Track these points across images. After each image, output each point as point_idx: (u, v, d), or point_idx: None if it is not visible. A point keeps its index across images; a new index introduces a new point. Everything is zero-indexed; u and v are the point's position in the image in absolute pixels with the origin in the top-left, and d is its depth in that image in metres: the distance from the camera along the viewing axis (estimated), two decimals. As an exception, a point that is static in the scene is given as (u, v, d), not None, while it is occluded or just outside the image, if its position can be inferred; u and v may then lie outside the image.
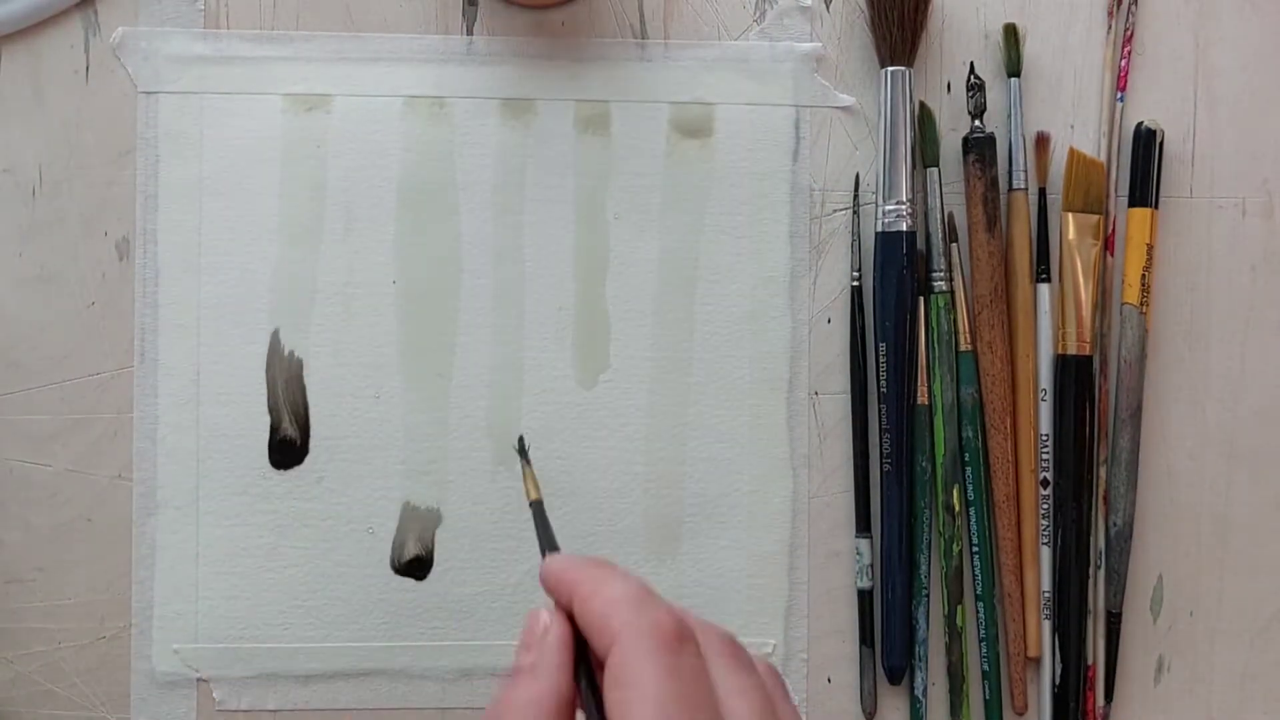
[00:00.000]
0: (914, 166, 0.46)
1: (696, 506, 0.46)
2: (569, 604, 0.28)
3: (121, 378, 0.45)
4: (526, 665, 0.27)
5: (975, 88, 0.46)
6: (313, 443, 0.45)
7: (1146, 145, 0.46)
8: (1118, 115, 0.47)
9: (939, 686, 0.46)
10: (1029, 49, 0.47)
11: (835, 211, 0.47)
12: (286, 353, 0.45)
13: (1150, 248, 0.46)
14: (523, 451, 0.40)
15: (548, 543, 0.34)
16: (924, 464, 0.46)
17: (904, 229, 0.45)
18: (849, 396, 0.46)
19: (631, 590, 0.27)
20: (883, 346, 0.46)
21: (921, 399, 0.46)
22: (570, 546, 0.46)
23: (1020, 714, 0.46)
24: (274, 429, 0.45)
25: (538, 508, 0.36)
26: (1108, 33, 0.47)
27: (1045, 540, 0.46)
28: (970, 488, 0.46)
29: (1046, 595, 0.46)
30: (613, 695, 0.25)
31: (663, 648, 0.26)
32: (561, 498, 0.46)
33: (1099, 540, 0.46)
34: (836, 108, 0.47)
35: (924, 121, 0.46)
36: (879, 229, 0.46)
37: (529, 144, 0.46)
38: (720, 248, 0.46)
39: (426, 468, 0.45)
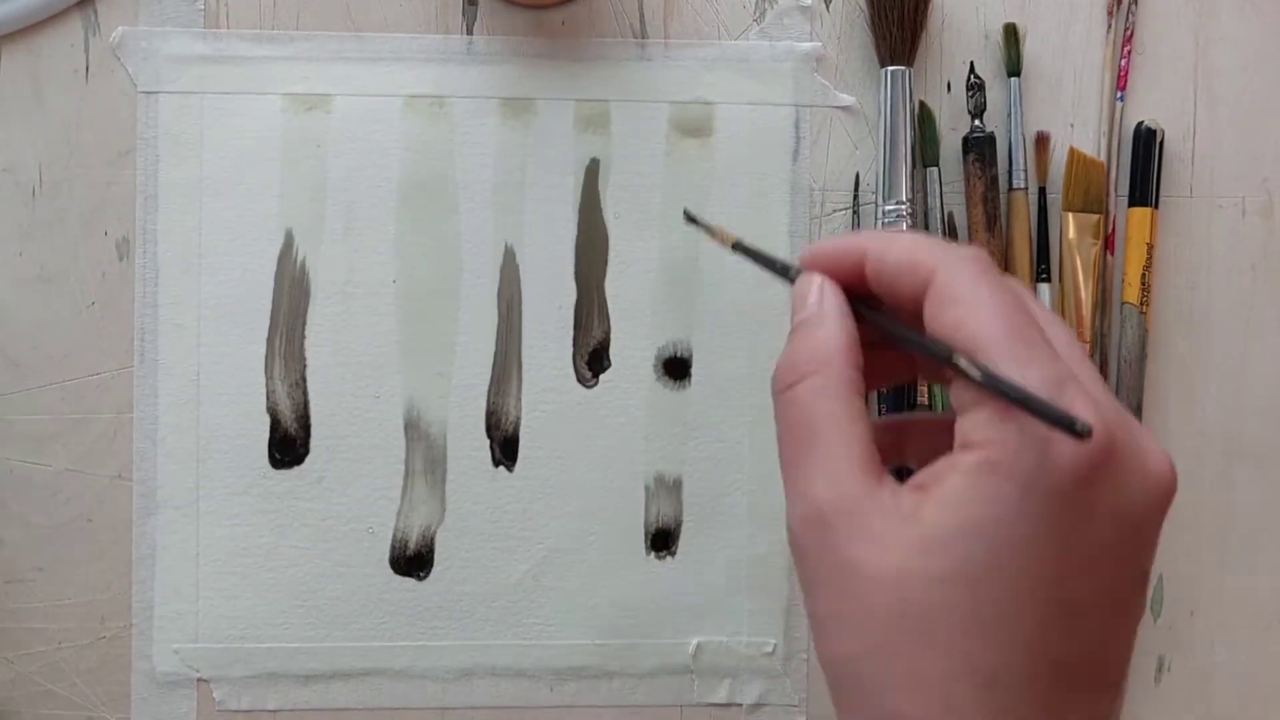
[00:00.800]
0: (914, 166, 0.46)
1: (696, 506, 0.46)
2: (854, 268, 0.28)
3: (121, 378, 0.45)
4: (805, 319, 0.28)
5: (975, 87, 0.46)
6: (313, 442, 0.45)
7: (1146, 145, 0.46)
8: (1118, 115, 0.47)
9: (939, 686, 0.46)
10: (1029, 48, 0.47)
11: (835, 211, 0.47)
12: (286, 352, 0.45)
13: (1150, 247, 0.46)
14: (692, 218, 0.37)
15: (778, 261, 0.32)
16: (924, 463, 0.46)
17: (904, 228, 0.45)
18: (849, 396, 0.46)
19: (925, 235, 0.28)
20: (883, 346, 0.46)
21: (922, 399, 0.46)
22: (568, 545, 0.46)
23: (1020, 713, 0.46)
24: (274, 429, 0.45)
25: (742, 247, 0.33)
26: (1108, 32, 0.47)
27: (1045, 540, 0.46)
28: (970, 487, 0.46)
29: (1047, 595, 0.46)
30: (947, 315, 0.26)
31: (988, 270, 0.26)
32: (561, 497, 0.46)
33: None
34: (836, 107, 0.47)
35: (924, 121, 0.46)
36: (879, 229, 0.46)
37: (529, 143, 0.46)
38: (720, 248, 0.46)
39: (427, 466, 0.45)
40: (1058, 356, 0.25)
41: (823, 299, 0.28)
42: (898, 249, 0.27)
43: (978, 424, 0.25)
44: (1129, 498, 0.25)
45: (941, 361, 0.25)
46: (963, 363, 0.25)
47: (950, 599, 0.24)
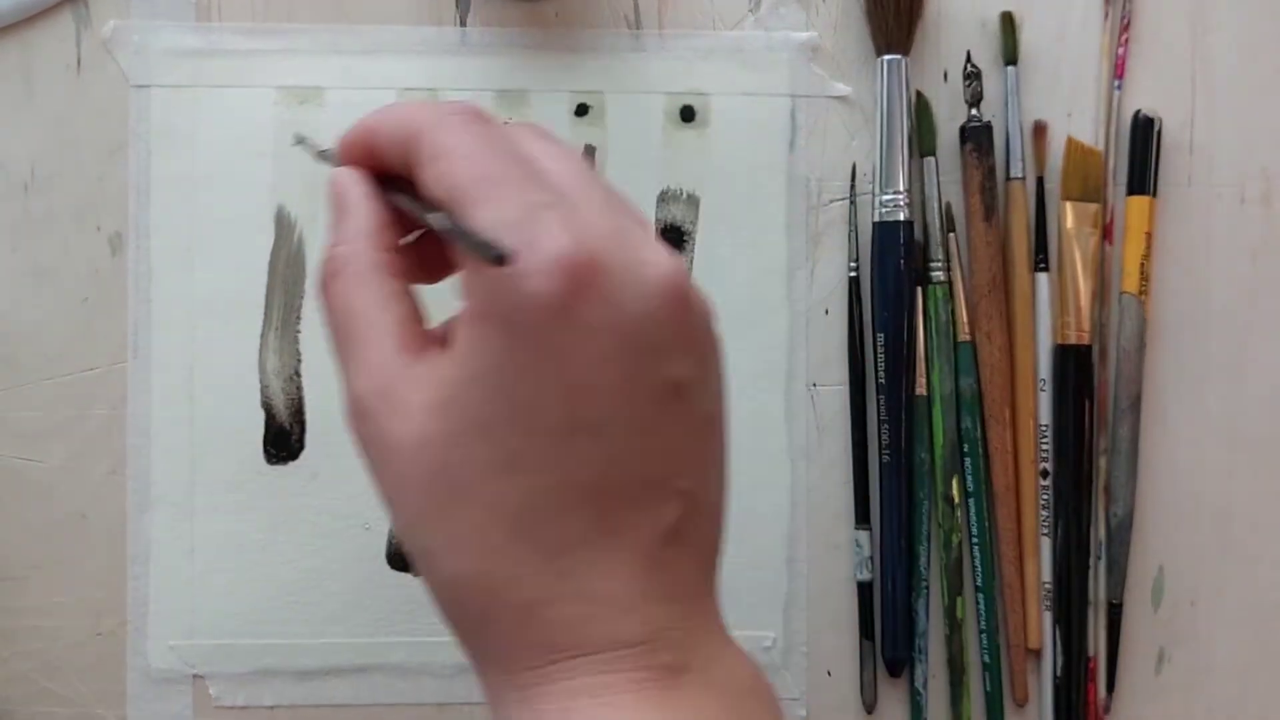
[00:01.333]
0: (911, 156, 0.46)
1: (694, 499, 0.46)
2: (367, 141, 0.28)
3: (115, 373, 0.45)
4: (339, 208, 0.28)
5: (972, 76, 0.46)
6: (308, 437, 0.45)
7: (1145, 133, 0.46)
8: (1115, 103, 0.47)
9: (939, 679, 0.46)
10: (1026, 37, 0.47)
11: (832, 202, 0.46)
12: (281, 347, 0.45)
13: (1149, 236, 0.46)
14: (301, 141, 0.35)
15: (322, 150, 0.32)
16: (923, 455, 0.46)
17: (901, 219, 0.45)
18: (847, 388, 0.46)
19: (422, 102, 0.28)
20: (881, 337, 0.45)
21: (920, 390, 0.46)
22: (567, 540, 0.45)
23: (1021, 705, 0.46)
24: (268, 424, 0.45)
25: (304, 144, 0.33)
26: (1105, 20, 0.47)
27: (1045, 531, 0.46)
28: (969, 479, 0.46)
29: (1047, 586, 0.46)
30: (428, 173, 0.26)
31: (468, 120, 0.26)
32: (558, 491, 0.45)
33: (1099, 531, 0.46)
34: (833, 97, 0.46)
35: (921, 111, 0.46)
36: (876, 219, 0.46)
37: (523, 136, 0.46)
38: (716, 239, 0.46)
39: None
40: (538, 188, 0.25)
41: (350, 186, 0.29)
42: (389, 117, 0.28)
43: (466, 278, 0.25)
44: (623, 309, 0.24)
45: (420, 220, 0.26)
46: (430, 217, 0.25)
47: (467, 451, 0.25)
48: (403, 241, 0.29)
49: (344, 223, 0.28)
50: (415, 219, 0.28)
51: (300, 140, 0.34)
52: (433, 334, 0.27)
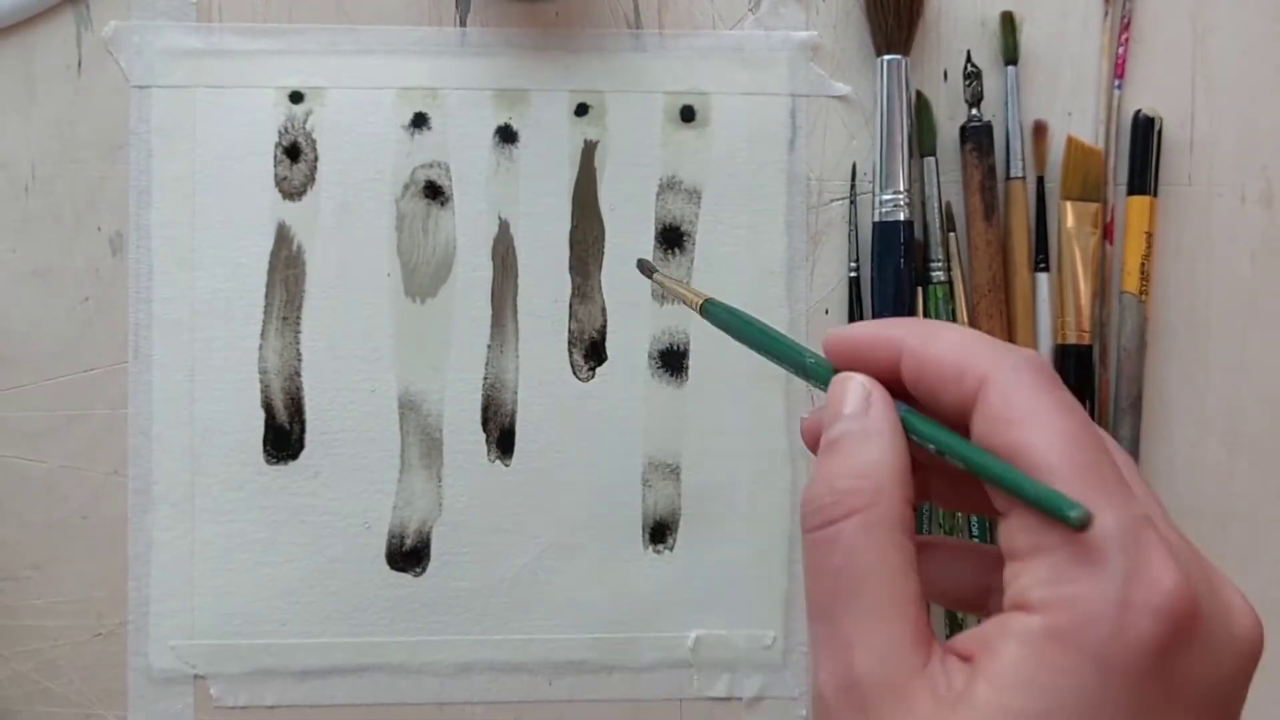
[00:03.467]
0: (911, 156, 0.46)
1: (695, 499, 0.46)
2: (891, 363, 0.24)
3: (116, 373, 0.45)
4: (846, 433, 0.23)
5: (972, 76, 0.46)
6: (308, 437, 0.45)
7: (1145, 133, 0.46)
8: (1116, 103, 0.47)
9: (940, 678, 0.46)
10: (1026, 36, 0.46)
11: (832, 201, 0.46)
12: (281, 347, 0.45)
13: (1149, 236, 0.46)
14: (647, 268, 0.32)
15: (788, 342, 0.27)
16: (923, 455, 0.46)
17: (901, 219, 0.45)
18: (847, 387, 0.46)
19: (974, 332, 0.24)
20: (881, 337, 0.45)
21: (920, 389, 0.46)
22: (565, 539, 0.45)
23: (1022, 705, 0.46)
24: (269, 423, 0.45)
25: (715, 306, 0.29)
26: (1105, 19, 0.47)
27: (1045, 530, 0.46)
28: (970, 478, 0.46)
29: (1047, 586, 0.46)
30: (1004, 436, 0.22)
31: (1051, 382, 0.22)
32: (558, 491, 0.45)
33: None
34: (833, 97, 0.46)
35: (921, 110, 0.46)
36: (876, 219, 0.46)
37: (523, 135, 0.46)
38: (716, 238, 0.46)
39: (423, 461, 0.45)
40: (1134, 496, 0.21)
41: (869, 410, 0.23)
42: (942, 346, 0.23)
43: (1038, 579, 0.21)
44: (1214, 665, 0.21)
45: (972, 469, 0.22)
46: (997, 468, 0.22)
47: None
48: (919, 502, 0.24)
49: (864, 451, 0.23)
50: (948, 460, 0.23)
51: (649, 271, 0.31)
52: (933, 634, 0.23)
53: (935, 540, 0.27)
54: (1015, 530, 0.22)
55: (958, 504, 0.26)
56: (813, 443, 0.25)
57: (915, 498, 0.23)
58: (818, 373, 0.26)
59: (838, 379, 0.24)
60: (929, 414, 0.24)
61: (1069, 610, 0.20)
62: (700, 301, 0.30)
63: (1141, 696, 0.20)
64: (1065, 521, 0.20)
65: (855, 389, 0.24)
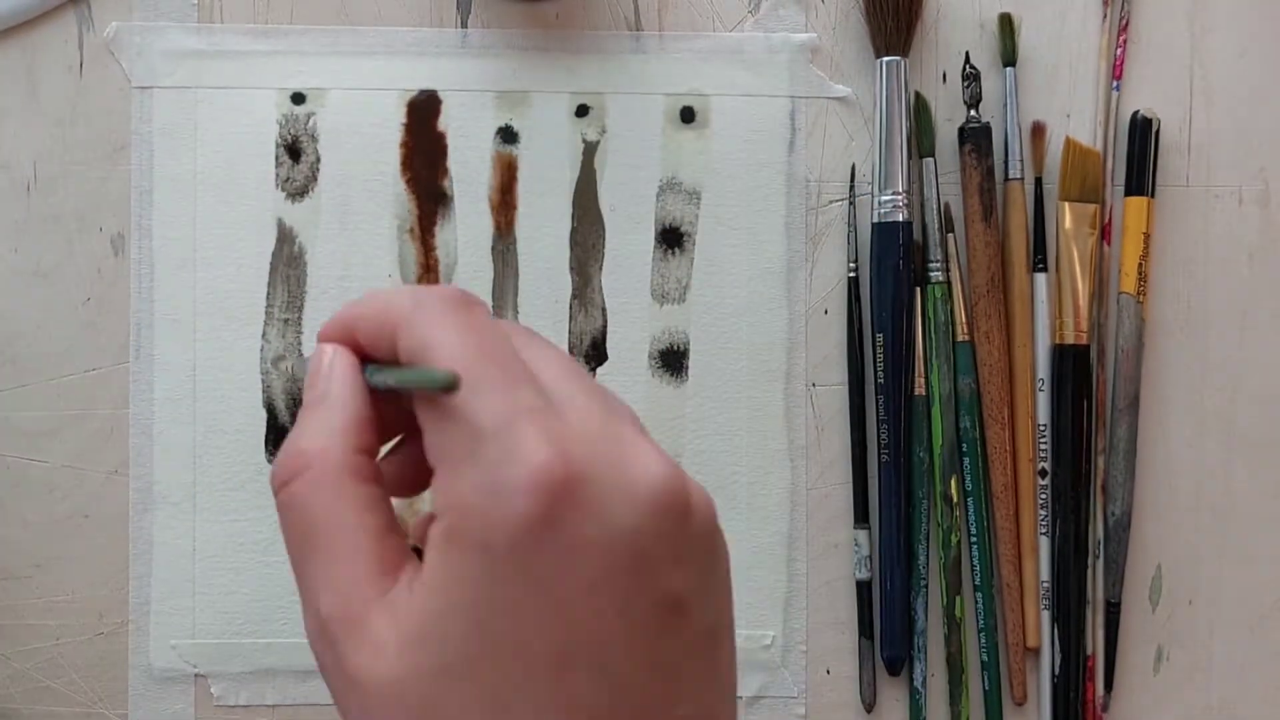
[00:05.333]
0: (910, 157, 0.46)
1: (694, 499, 0.46)
2: (348, 333, 0.26)
3: (117, 373, 0.45)
4: (315, 397, 0.25)
5: (970, 77, 0.46)
6: (309, 437, 0.45)
7: (1143, 134, 0.46)
8: (1114, 104, 0.47)
9: (938, 677, 0.46)
10: (1024, 38, 0.47)
11: (831, 203, 0.47)
12: (282, 347, 0.45)
13: (1147, 237, 0.46)
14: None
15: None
16: (921, 455, 0.46)
17: (900, 220, 0.45)
18: (846, 388, 0.46)
19: (408, 286, 0.25)
20: (880, 337, 0.46)
21: (919, 390, 0.46)
22: (568, 539, 0.45)
23: (1020, 704, 0.46)
24: (270, 423, 0.45)
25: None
26: (1103, 21, 0.47)
27: (1044, 530, 0.46)
28: (968, 478, 0.46)
29: (1045, 585, 0.46)
30: (413, 360, 0.24)
31: (457, 306, 0.24)
32: (559, 491, 0.46)
33: (1097, 530, 0.46)
34: (832, 98, 0.46)
35: (920, 112, 0.46)
36: (875, 220, 0.46)
37: (524, 136, 0.46)
38: (716, 239, 0.46)
39: (423, 461, 0.45)
40: (521, 389, 0.23)
41: (330, 374, 0.25)
42: (371, 302, 0.25)
43: (439, 487, 0.23)
44: (611, 523, 0.22)
45: (371, 384, 0.25)
46: (368, 370, 0.24)
47: (446, 692, 0.22)
48: (384, 451, 0.26)
49: (316, 413, 0.25)
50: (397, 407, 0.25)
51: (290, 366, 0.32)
52: (410, 549, 0.24)
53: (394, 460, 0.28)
54: (430, 445, 0.23)
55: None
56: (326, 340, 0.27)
57: (394, 471, 0.26)
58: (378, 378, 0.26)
59: (313, 353, 0.26)
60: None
61: (457, 509, 0.22)
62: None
63: (530, 570, 0.21)
64: (433, 386, 0.22)
65: (317, 356, 0.26)
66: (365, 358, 0.26)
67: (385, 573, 0.23)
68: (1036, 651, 0.46)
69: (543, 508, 0.21)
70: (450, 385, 0.22)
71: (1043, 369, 0.46)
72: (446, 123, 0.46)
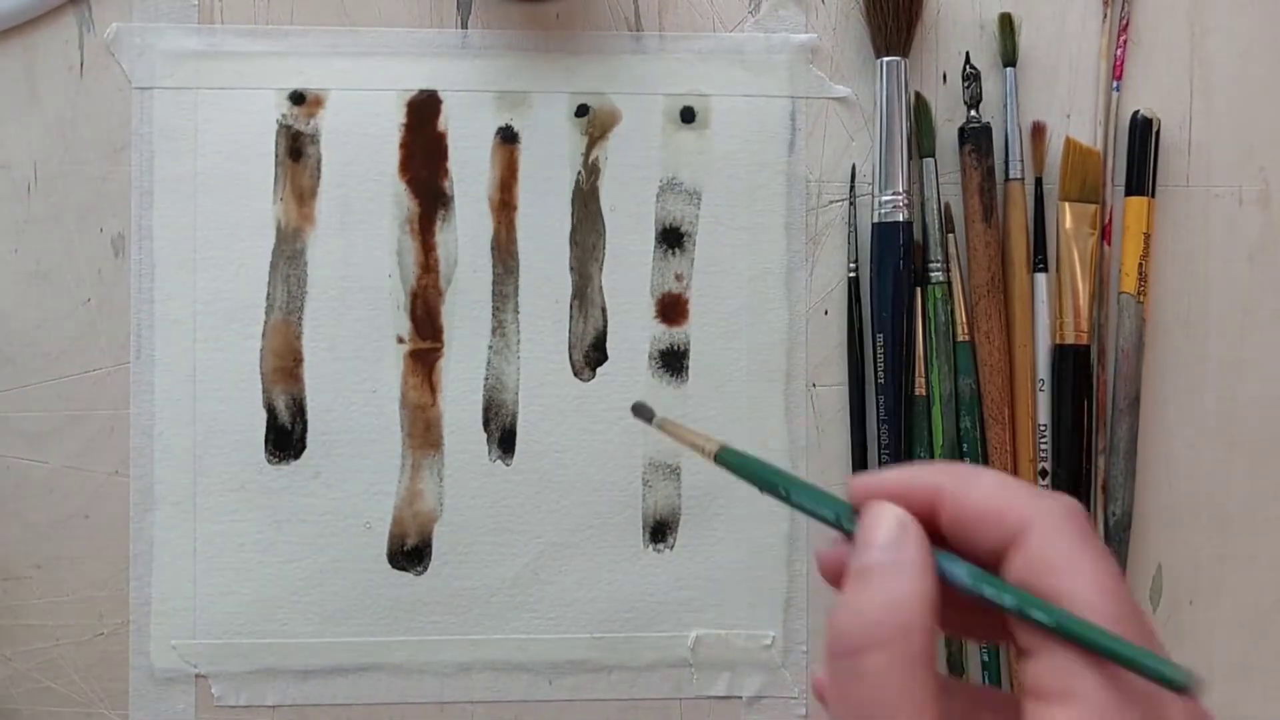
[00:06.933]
0: (910, 157, 0.46)
1: (694, 499, 0.46)
2: (923, 506, 0.24)
3: (118, 374, 0.45)
4: (878, 564, 0.24)
5: (971, 78, 0.46)
6: (309, 437, 0.45)
7: (1143, 134, 0.46)
8: (1114, 104, 0.47)
9: (938, 677, 0.46)
10: (1024, 38, 0.47)
11: (831, 203, 0.47)
12: (282, 347, 0.45)
13: (1147, 237, 0.46)
14: (645, 413, 0.31)
15: (789, 479, 0.27)
16: (922, 455, 0.46)
17: (900, 220, 0.45)
18: (846, 388, 0.46)
19: (1013, 479, 0.24)
20: (880, 338, 0.46)
21: (919, 390, 0.46)
22: (566, 539, 0.46)
23: (1020, 704, 0.46)
24: (270, 423, 0.45)
25: (728, 454, 0.29)
26: (1103, 21, 0.47)
27: (1044, 530, 0.46)
28: (968, 478, 0.46)
29: (1046, 585, 0.46)
30: (1047, 581, 0.23)
31: (1087, 533, 0.23)
32: (559, 490, 0.46)
33: (1098, 530, 0.46)
34: (832, 98, 0.46)
35: (920, 112, 0.46)
36: (875, 220, 0.46)
37: (524, 136, 0.46)
38: (716, 239, 0.46)
39: (424, 461, 0.45)
40: (1162, 649, 0.23)
41: (903, 544, 0.24)
42: (981, 492, 0.24)
43: (1059, 669, 0.22)
44: None
45: (1053, 632, 0.23)
46: (984, 586, 0.23)
47: None
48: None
49: (895, 584, 0.23)
50: (986, 603, 0.23)
51: (648, 416, 0.30)
52: None
53: (954, 683, 0.28)
54: (1044, 670, 0.22)
55: (964, 633, 0.27)
56: (832, 575, 0.25)
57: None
58: (847, 523, 0.25)
59: (872, 507, 0.25)
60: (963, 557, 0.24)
61: (1094, 701, 0.21)
62: (714, 450, 0.29)
63: None
64: (1165, 683, 0.21)
65: (890, 519, 0.24)
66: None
67: None
68: (1037, 652, 0.46)
69: None
70: (1185, 687, 0.21)
71: (1043, 369, 0.46)
72: (446, 123, 0.46)
